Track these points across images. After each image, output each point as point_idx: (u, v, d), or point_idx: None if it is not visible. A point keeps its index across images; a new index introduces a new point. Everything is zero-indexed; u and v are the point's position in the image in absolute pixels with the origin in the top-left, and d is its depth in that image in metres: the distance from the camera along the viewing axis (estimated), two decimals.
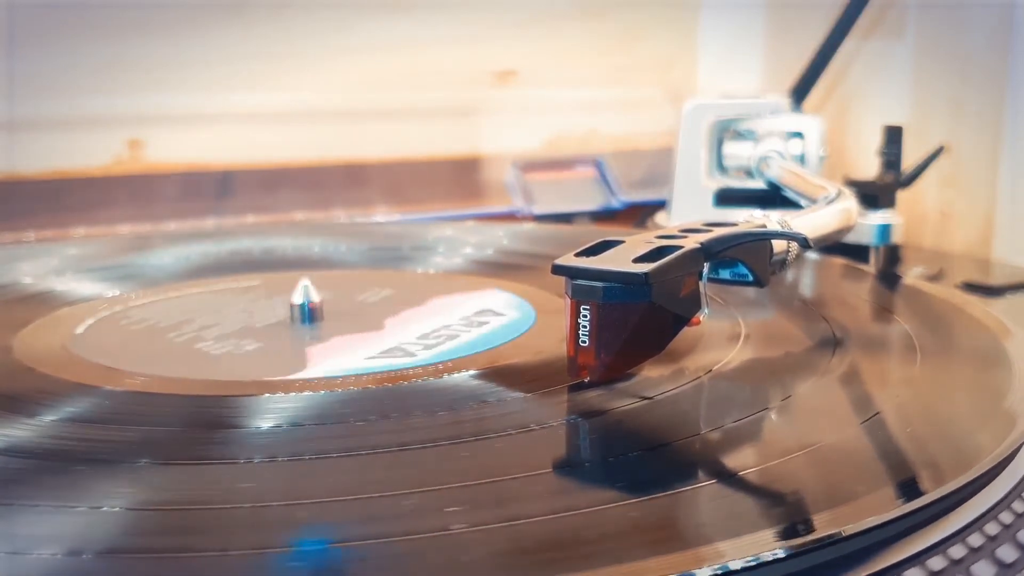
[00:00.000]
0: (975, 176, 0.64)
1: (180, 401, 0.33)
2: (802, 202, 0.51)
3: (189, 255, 0.57)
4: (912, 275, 0.53)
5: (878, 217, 0.59)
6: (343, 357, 0.36)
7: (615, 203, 0.76)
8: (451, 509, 0.24)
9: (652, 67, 0.82)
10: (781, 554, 0.22)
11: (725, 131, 0.62)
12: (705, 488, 0.25)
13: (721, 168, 0.62)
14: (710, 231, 0.35)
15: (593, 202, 0.76)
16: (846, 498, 0.24)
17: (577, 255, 0.33)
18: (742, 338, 0.38)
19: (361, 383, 0.34)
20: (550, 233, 0.65)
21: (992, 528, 0.25)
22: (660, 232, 0.35)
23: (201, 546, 0.23)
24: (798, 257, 0.37)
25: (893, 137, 0.60)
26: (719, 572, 0.21)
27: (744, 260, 0.35)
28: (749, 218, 0.38)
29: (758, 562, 0.21)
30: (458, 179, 0.76)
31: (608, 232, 0.44)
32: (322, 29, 0.72)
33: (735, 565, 0.21)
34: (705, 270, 0.33)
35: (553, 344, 0.37)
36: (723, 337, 0.38)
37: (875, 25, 0.68)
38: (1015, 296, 0.50)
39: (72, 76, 0.66)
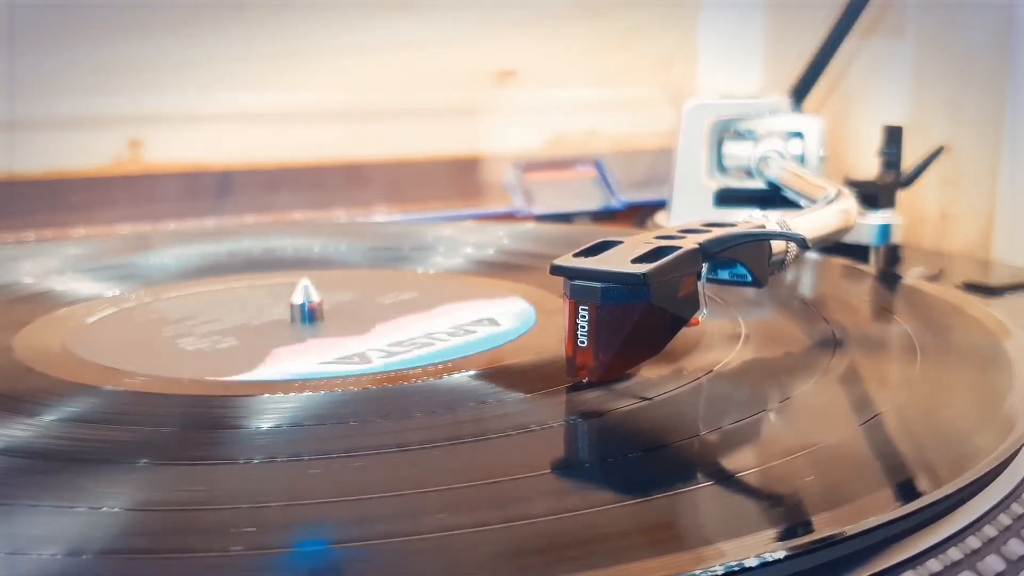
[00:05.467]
0: (975, 176, 0.64)
1: (180, 401, 0.33)
2: (802, 202, 0.51)
3: (189, 255, 0.57)
4: (912, 275, 0.53)
5: (878, 217, 0.59)
6: (297, 361, 0.36)
7: (615, 203, 0.76)
8: (451, 510, 0.24)
9: (652, 67, 0.82)
10: (781, 555, 0.22)
11: (725, 131, 0.62)
12: (705, 489, 0.25)
13: (721, 168, 0.62)
14: (709, 231, 0.34)
15: (593, 202, 0.76)
16: (846, 499, 0.24)
17: (576, 255, 0.33)
18: (742, 338, 0.38)
19: (361, 383, 0.34)
20: (550, 233, 0.65)
21: (992, 529, 0.25)
22: (659, 232, 0.35)
23: (201, 547, 0.23)
24: (797, 258, 0.37)
25: (893, 137, 0.60)
26: (719, 573, 0.21)
27: (743, 260, 0.35)
28: (748, 218, 0.38)
29: (758, 563, 0.21)
30: (458, 179, 0.77)
31: (608, 232, 0.44)
32: (322, 29, 0.72)
33: (735, 566, 0.21)
34: (704, 270, 0.33)
35: (553, 344, 0.37)
36: (723, 337, 0.38)
37: (875, 25, 0.68)
38: (1015, 296, 0.50)
39: (72, 76, 0.66)
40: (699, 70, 0.83)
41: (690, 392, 0.32)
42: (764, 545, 0.22)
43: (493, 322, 0.41)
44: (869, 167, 0.62)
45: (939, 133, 0.64)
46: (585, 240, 0.34)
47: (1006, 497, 0.26)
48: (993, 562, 0.24)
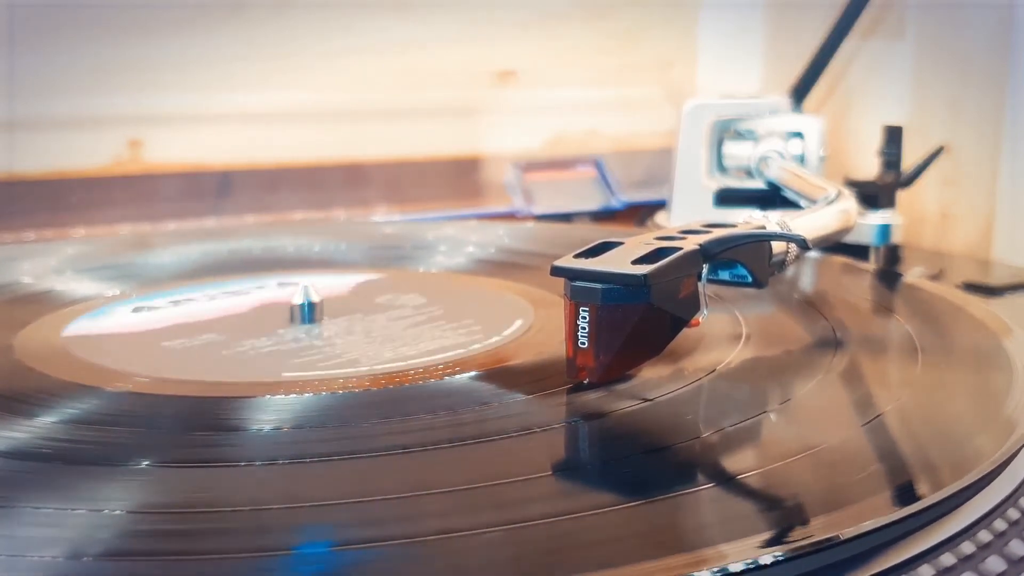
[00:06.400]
0: (975, 176, 0.64)
1: (181, 402, 0.33)
2: (802, 202, 0.51)
3: (189, 255, 0.57)
4: (912, 275, 0.53)
5: (878, 217, 0.59)
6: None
7: (615, 203, 0.76)
8: (452, 512, 0.24)
9: (652, 67, 0.82)
10: (781, 557, 0.22)
11: (725, 131, 0.62)
12: (706, 491, 0.25)
13: (721, 168, 0.62)
14: (709, 232, 0.34)
15: (593, 202, 0.76)
16: (847, 500, 0.24)
17: (576, 256, 0.33)
18: (743, 338, 0.38)
19: (362, 384, 0.34)
20: (550, 233, 0.65)
21: (992, 530, 0.25)
22: (659, 233, 0.35)
23: (202, 549, 0.23)
24: (797, 258, 0.37)
25: (893, 137, 0.60)
26: (719, 574, 0.21)
27: (743, 261, 0.35)
28: (748, 219, 0.38)
29: (758, 565, 0.21)
30: (458, 179, 0.76)
31: (608, 232, 0.44)
32: (322, 29, 0.72)
33: (735, 567, 0.21)
34: (704, 271, 0.33)
35: (553, 345, 0.37)
36: (724, 337, 0.38)
37: (875, 25, 0.68)
38: (1015, 296, 0.50)
39: (72, 76, 0.66)
40: (699, 70, 0.83)
41: (691, 393, 0.32)
42: (765, 547, 0.22)
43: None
44: (869, 167, 0.62)
45: (939, 133, 0.64)
46: (585, 240, 0.34)
47: (1007, 498, 0.26)
48: (994, 563, 0.24)
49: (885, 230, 0.59)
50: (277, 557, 0.22)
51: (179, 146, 0.69)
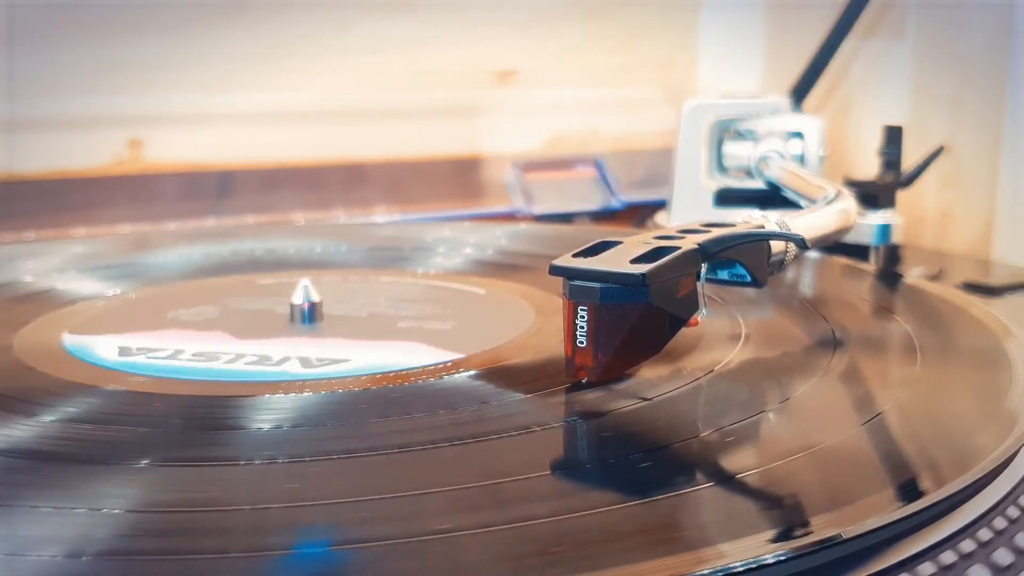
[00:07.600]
0: (975, 176, 0.64)
1: (180, 401, 0.33)
2: (801, 202, 0.51)
3: (189, 255, 0.57)
4: (912, 275, 0.53)
5: (878, 217, 0.59)
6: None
7: (615, 203, 0.76)
8: (451, 511, 0.24)
9: (652, 67, 0.82)
10: (782, 556, 0.22)
11: (725, 131, 0.62)
12: (705, 490, 0.25)
13: (721, 168, 0.62)
14: (708, 231, 0.34)
15: (593, 202, 0.76)
16: (847, 499, 0.24)
17: (575, 256, 0.33)
18: (742, 338, 0.38)
19: (361, 384, 0.34)
20: (550, 233, 0.65)
21: (992, 529, 0.25)
22: (658, 233, 0.35)
23: (201, 548, 0.23)
24: (796, 258, 0.37)
25: (893, 137, 0.60)
26: (720, 574, 0.21)
27: (742, 261, 0.35)
28: (747, 218, 0.38)
29: (759, 564, 0.21)
30: (458, 179, 0.76)
31: (608, 232, 0.44)
32: (322, 29, 0.72)
33: (736, 567, 0.21)
34: (703, 271, 0.33)
35: (553, 344, 0.37)
36: (723, 337, 0.38)
37: (875, 25, 0.68)
38: (1015, 296, 0.50)
39: (72, 76, 0.66)
40: (699, 70, 0.83)
41: (690, 392, 0.32)
42: (765, 547, 0.22)
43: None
44: (869, 167, 0.62)
45: (939, 133, 0.64)
46: (585, 240, 0.34)
47: (1007, 496, 0.26)
48: (993, 562, 0.24)
49: (885, 230, 0.59)
50: (276, 556, 0.22)
51: (179, 146, 0.69)
